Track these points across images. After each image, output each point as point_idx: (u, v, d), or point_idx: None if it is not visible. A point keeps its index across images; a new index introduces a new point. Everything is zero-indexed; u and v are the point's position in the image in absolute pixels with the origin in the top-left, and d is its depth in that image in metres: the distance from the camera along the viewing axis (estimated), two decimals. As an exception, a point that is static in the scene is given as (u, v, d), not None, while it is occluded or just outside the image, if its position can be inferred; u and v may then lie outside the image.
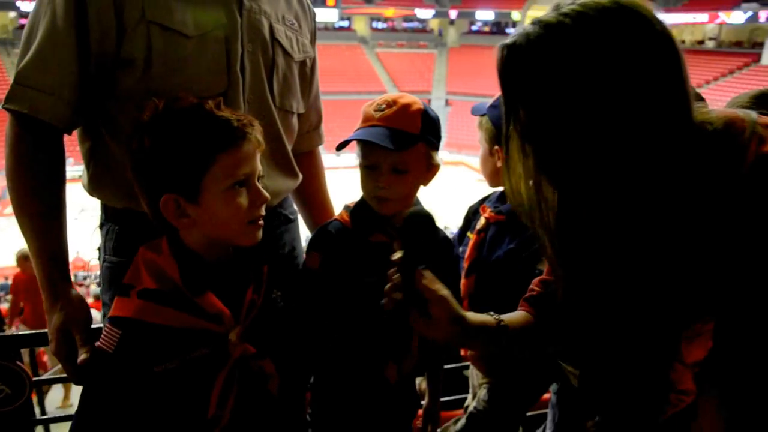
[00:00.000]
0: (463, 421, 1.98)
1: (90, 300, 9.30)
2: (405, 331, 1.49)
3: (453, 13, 41.91)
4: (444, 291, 1.17)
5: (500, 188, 1.84)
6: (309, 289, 1.52)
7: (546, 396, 2.20)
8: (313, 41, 1.77)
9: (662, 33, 0.93)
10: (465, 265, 1.82)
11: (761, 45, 32.28)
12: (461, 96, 33.86)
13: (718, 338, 0.97)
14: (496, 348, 1.23)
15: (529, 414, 2.20)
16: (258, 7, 1.51)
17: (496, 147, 1.71)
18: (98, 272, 1.66)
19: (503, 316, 1.24)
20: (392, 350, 1.53)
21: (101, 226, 1.56)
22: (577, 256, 1.13)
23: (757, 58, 31.58)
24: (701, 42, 36.32)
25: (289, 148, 1.65)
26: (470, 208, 1.91)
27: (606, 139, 0.94)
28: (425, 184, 1.50)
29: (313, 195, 1.92)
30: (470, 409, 1.90)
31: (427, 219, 1.21)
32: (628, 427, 1.21)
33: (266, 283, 1.35)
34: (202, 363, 1.21)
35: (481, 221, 1.82)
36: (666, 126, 0.93)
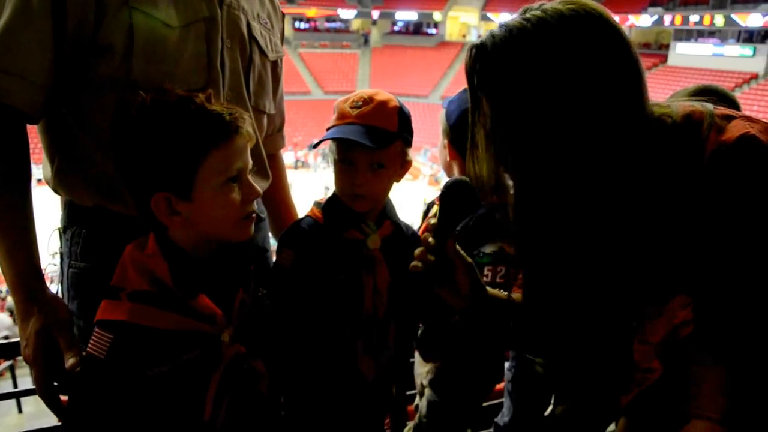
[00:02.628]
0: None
1: (5, 314, 8.82)
2: (382, 325, 1.52)
3: (375, 14, 42.08)
4: (469, 259, 1.25)
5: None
6: (280, 286, 1.49)
7: (500, 386, 2.24)
8: (282, 40, 1.75)
9: (616, 35, 1.00)
10: None
11: (667, 47, 33.97)
12: (385, 96, 33.73)
13: (699, 311, 1.02)
14: (502, 322, 1.30)
15: (484, 404, 2.23)
16: (236, 3, 1.46)
17: (445, 142, 1.73)
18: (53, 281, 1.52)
19: (513, 295, 1.32)
20: (368, 346, 1.52)
21: (64, 229, 1.46)
22: (535, 244, 1.18)
23: (664, 59, 33.22)
24: (613, 43, 37.76)
25: (262, 148, 1.62)
26: (428, 204, 1.92)
27: (561, 133, 1.01)
28: (398, 180, 1.51)
29: (277, 197, 1.89)
30: (415, 420, 1.91)
31: (466, 186, 1.23)
32: (593, 408, 1.26)
33: (254, 281, 1.33)
34: (195, 365, 1.18)
35: (434, 209, 1.82)
36: (620, 120, 1.00)
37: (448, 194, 1.23)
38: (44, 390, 1.22)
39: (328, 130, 1.46)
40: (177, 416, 1.17)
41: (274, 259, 1.54)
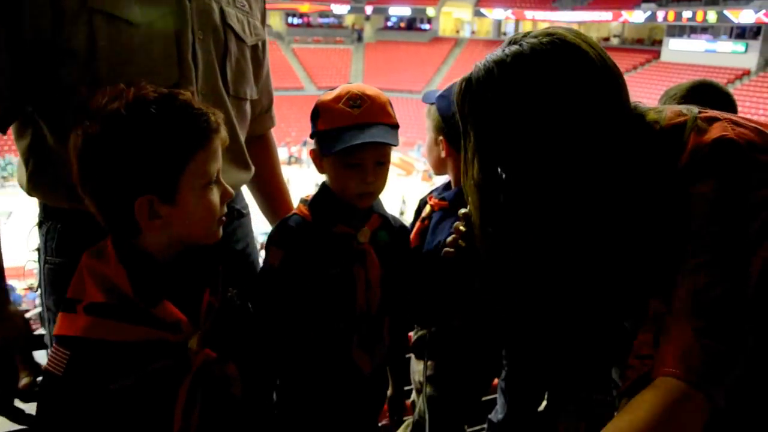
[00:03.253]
0: (409, 429, 2.00)
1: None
2: (376, 318, 1.53)
3: (368, 9, 42.03)
4: None
5: (446, 176, 1.85)
6: (270, 287, 1.49)
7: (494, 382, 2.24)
8: (263, 21, 1.68)
9: (588, 61, 1.07)
10: None
11: (660, 43, 34.06)
12: (378, 92, 33.71)
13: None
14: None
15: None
16: None
17: (441, 137, 1.72)
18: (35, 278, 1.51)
19: None
20: (363, 339, 1.53)
21: (40, 224, 1.43)
22: (518, 250, 1.23)
23: (657, 54, 33.30)
24: (607, 39, 37.89)
25: (243, 138, 1.58)
26: (421, 200, 1.92)
27: (545, 153, 1.08)
28: None
29: (268, 181, 1.86)
30: (414, 415, 1.92)
31: (402, 225, 1.35)
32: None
33: (222, 282, 1.29)
34: (162, 375, 1.12)
35: (426, 209, 1.83)
36: (599, 136, 1.07)
37: (391, 228, 1.34)
38: (3, 406, 1.22)
39: (323, 131, 1.44)
40: (145, 430, 1.13)
41: (262, 254, 1.54)
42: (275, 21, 41.78)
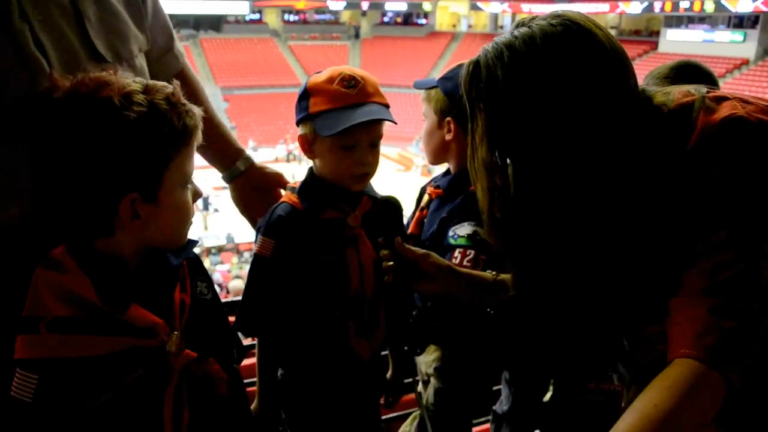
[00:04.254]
0: (415, 422, 2.00)
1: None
2: (373, 303, 1.52)
3: (365, 5, 41.92)
4: (422, 250, 1.39)
5: (445, 165, 1.83)
6: (263, 277, 1.48)
7: None
8: None
9: (596, 43, 1.06)
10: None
11: (658, 33, 33.99)
12: (376, 87, 33.73)
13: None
14: (491, 300, 1.38)
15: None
16: None
17: (448, 118, 1.70)
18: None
19: (501, 275, 1.40)
20: (360, 325, 1.52)
21: None
22: (528, 239, 1.22)
23: (655, 45, 33.23)
24: (603, 31, 37.81)
25: None
26: (421, 189, 1.92)
27: (553, 135, 1.07)
28: None
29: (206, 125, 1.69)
30: (421, 409, 1.91)
31: (394, 202, 1.42)
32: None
33: (189, 277, 1.21)
34: (143, 384, 1.06)
35: (425, 199, 1.83)
36: (608, 119, 1.06)
37: (380, 211, 1.37)
38: None
39: (318, 113, 1.41)
40: None
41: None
42: (272, 18, 41.74)
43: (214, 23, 38.07)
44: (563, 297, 1.24)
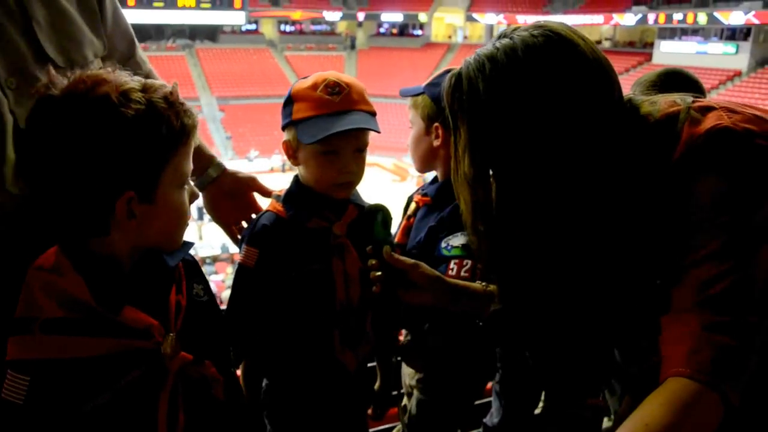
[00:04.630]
0: None
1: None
2: (359, 313, 1.50)
3: (361, 16, 42.06)
4: (411, 260, 1.35)
5: (432, 173, 1.82)
6: (246, 287, 1.46)
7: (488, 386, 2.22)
8: None
9: (578, 53, 1.05)
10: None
11: (652, 45, 34.18)
12: (371, 98, 33.76)
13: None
14: (481, 311, 1.34)
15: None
16: None
17: (436, 124, 1.69)
18: None
19: (491, 286, 1.37)
20: (345, 335, 1.49)
21: None
22: (513, 249, 1.20)
23: (649, 57, 33.39)
24: (599, 42, 38.03)
25: None
26: (408, 197, 1.90)
27: (536, 145, 1.06)
28: None
29: None
30: (405, 419, 1.89)
31: (382, 210, 1.36)
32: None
33: (185, 279, 1.21)
34: (138, 386, 1.04)
35: (412, 207, 1.81)
36: (591, 128, 1.04)
37: (368, 218, 1.33)
38: None
39: (301, 120, 1.40)
40: None
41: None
42: (268, 29, 41.79)
43: (210, 33, 38.14)
44: (549, 311, 1.22)
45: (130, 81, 1.03)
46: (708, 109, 1.06)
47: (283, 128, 1.47)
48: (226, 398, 1.21)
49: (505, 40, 1.07)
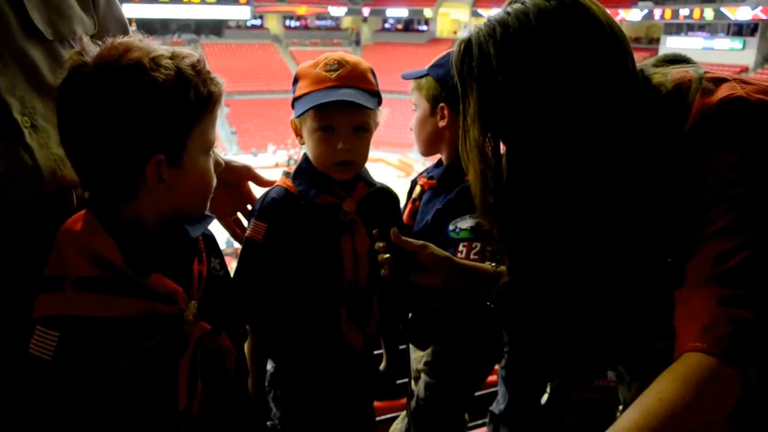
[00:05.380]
0: (405, 420, 1.97)
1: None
2: (365, 291, 1.49)
3: (366, 11, 41.99)
4: (419, 242, 1.34)
5: (437, 156, 1.81)
6: (254, 261, 1.45)
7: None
8: None
9: (591, 18, 1.02)
10: None
11: (658, 41, 34.04)
12: (377, 93, 33.64)
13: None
14: (490, 291, 1.33)
15: (477, 394, 2.20)
16: None
17: (441, 104, 1.68)
18: None
19: (501, 267, 1.35)
20: (353, 313, 1.49)
21: None
22: (522, 224, 1.17)
23: (655, 52, 33.23)
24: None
25: None
26: (412, 181, 1.89)
27: (547, 114, 1.03)
28: None
29: None
30: (412, 404, 1.90)
31: (388, 192, 1.40)
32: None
33: (204, 251, 1.23)
34: (160, 351, 1.07)
35: (417, 190, 1.80)
36: (604, 97, 1.02)
37: (376, 199, 1.36)
38: None
39: (300, 96, 1.41)
40: (147, 412, 1.06)
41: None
42: (273, 24, 41.74)
43: (216, 28, 38.12)
44: (558, 285, 1.20)
45: (159, 48, 1.05)
46: (721, 81, 1.03)
47: (292, 105, 1.47)
48: (236, 372, 1.24)
49: (517, 5, 1.05)
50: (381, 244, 1.33)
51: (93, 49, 1.03)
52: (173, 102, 1.02)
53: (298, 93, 1.42)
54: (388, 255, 1.33)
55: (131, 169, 1.03)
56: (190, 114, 1.06)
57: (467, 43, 1.10)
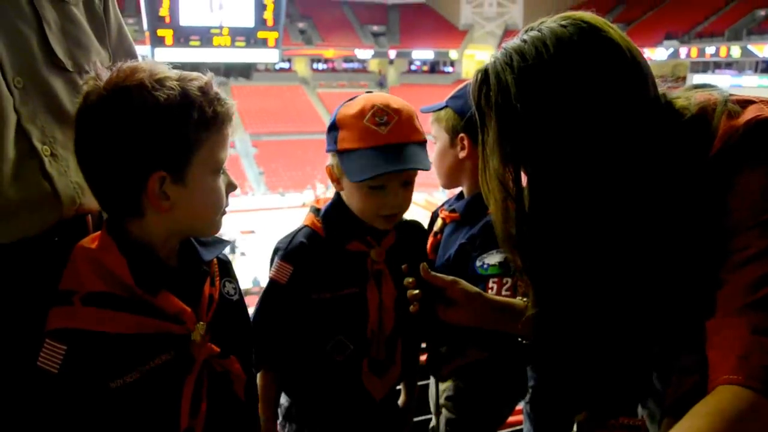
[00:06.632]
0: None
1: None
2: (389, 341, 1.46)
3: (392, 53, 42.62)
4: (450, 277, 1.31)
5: (458, 189, 1.79)
6: (276, 304, 1.42)
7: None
8: None
9: (608, 42, 1.00)
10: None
11: (684, 79, 33.95)
12: (403, 133, 34.02)
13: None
14: (521, 328, 1.28)
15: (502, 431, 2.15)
16: None
17: (462, 135, 1.66)
18: None
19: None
20: (374, 363, 1.45)
21: None
22: (546, 254, 1.14)
23: (682, 91, 33.20)
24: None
25: None
26: (433, 214, 1.86)
27: (566, 140, 1.01)
28: None
29: None
30: None
31: (417, 225, 1.37)
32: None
33: (219, 275, 1.25)
34: (165, 370, 1.08)
35: (438, 223, 1.76)
36: (623, 120, 0.99)
37: (403, 234, 1.33)
38: None
39: (347, 151, 1.35)
40: (149, 430, 1.08)
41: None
42: (300, 66, 42.54)
43: (245, 71, 38.95)
44: (586, 317, 1.15)
45: (168, 71, 1.08)
46: (747, 103, 1.01)
47: (328, 151, 1.42)
48: (246, 399, 1.23)
49: (533, 33, 1.03)
50: (410, 280, 1.30)
51: (105, 74, 1.07)
52: (175, 120, 1.04)
53: (345, 146, 1.35)
54: (417, 291, 1.30)
55: (133, 185, 1.05)
56: (194, 133, 1.07)
57: (484, 72, 1.09)
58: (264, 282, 1.64)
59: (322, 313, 1.41)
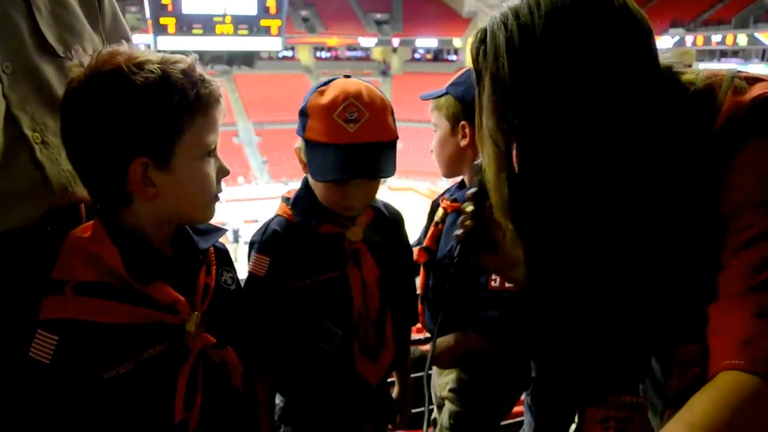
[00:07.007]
0: None
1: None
2: (377, 322, 1.44)
3: (396, 41, 42.44)
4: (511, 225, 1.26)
5: (459, 178, 1.77)
6: (257, 297, 1.39)
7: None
8: None
9: (614, 10, 0.96)
10: (422, 258, 1.74)
11: (690, 67, 33.76)
12: (406, 122, 34.03)
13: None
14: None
15: (503, 423, 2.14)
16: None
17: (463, 122, 1.64)
18: None
19: None
20: (365, 347, 1.43)
21: None
22: (539, 222, 1.11)
23: (687, 79, 33.04)
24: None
25: None
26: (433, 202, 1.83)
27: (566, 104, 0.97)
28: None
29: None
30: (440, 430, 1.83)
31: (390, 209, 1.33)
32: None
33: (216, 263, 1.22)
34: (159, 361, 1.07)
35: (439, 212, 1.74)
36: (626, 92, 0.95)
37: (385, 218, 1.30)
38: None
39: (313, 142, 1.32)
40: (143, 421, 1.07)
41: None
42: (304, 55, 42.40)
43: (248, 59, 38.86)
44: (581, 291, 1.12)
45: (149, 54, 1.05)
46: (754, 80, 0.98)
47: (297, 134, 1.40)
48: (243, 390, 1.21)
49: None
50: (470, 208, 1.32)
51: (88, 60, 1.05)
52: (154, 105, 1.02)
53: (311, 136, 1.33)
54: (470, 222, 1.32)
55: (116, 172, 1.04)
56: (175, 117, 1.04)
57: (483, 31, 1.07)
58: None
59: (305, 301, 1.39)
